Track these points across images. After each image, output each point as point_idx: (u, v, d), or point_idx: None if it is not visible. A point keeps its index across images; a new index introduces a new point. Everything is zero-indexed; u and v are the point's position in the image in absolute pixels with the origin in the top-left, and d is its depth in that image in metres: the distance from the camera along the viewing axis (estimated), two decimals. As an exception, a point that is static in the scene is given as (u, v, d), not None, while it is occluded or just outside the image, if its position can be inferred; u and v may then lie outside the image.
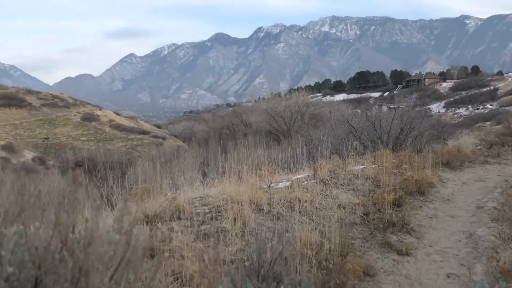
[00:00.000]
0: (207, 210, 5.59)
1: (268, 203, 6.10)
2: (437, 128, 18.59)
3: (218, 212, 5.51)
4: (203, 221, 5.22)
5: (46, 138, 55.44)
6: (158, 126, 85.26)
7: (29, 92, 75.09)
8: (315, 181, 7.90)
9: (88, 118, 66.45)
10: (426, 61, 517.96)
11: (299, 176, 8.38)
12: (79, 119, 65.58)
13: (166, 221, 4.92)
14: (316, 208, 6.47)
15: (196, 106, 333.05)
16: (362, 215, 6.67)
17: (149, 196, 5.46)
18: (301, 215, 5.92)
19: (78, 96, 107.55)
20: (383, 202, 6.93)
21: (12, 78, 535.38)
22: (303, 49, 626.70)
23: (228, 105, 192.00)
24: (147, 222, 4.87)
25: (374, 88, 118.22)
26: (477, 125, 50.89)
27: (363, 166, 9.66)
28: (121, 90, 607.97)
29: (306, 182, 7.65)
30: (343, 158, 10.42)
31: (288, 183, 7.27)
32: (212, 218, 5.30)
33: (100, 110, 76.31)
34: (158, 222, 4.86)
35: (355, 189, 8.07)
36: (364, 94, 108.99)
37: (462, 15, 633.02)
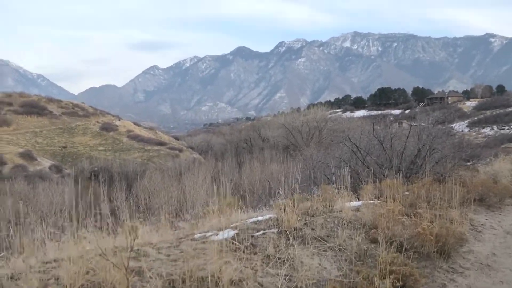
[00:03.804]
0: None
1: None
2: (465, 151, 14.35)
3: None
4: None
5: (64, 147, 55.79)
6: (177, 138, 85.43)
7: (51, 100, 76.29)
8: (276, 230, 5.17)
9: (107, 128, 66.88)
10: (449, 79, 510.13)
11: (260, 217, 5.72)
12: (97, 129, 66.04)
13: None
14: None
15: (216, 119, 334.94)
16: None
17: None
18: None
19: (101, 106, 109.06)
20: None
21: (39, 87, 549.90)
22: (324, 64, 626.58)
23: (248, 118, 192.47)
24: None
25: (395, 106, 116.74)
26: (503, 146, 49.13)
27: (360, 203, 6.81)
28: (143, 101, 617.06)
29: (260, 232, 5.01)
30: (337, 188, 7.37)
31: (232, 233, 4.84)
32: None
33: (119, 120, 76.88)
34: None
35: (336, 247, 5.01)
36: (385, 111, 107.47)
37: (486, 34, 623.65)
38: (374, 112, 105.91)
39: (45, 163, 48.24)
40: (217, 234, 4.81)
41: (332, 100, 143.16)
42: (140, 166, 45.02)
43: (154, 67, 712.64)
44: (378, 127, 15.47)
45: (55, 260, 3.67)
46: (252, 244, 4.61)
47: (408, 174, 10.85)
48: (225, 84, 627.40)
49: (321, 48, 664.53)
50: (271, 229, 5.22)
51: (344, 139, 13.24)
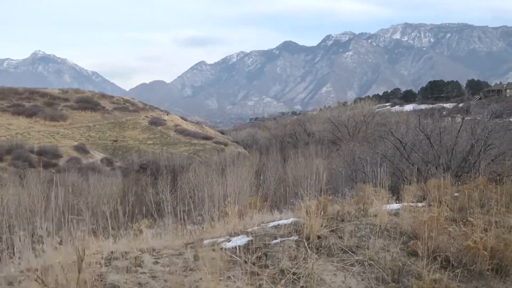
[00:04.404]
0: None
1: None
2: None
3: None
4: None
5: (115, 141, 57.96)
6: (222, 132, 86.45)
7: (103, 96, 79.50)
8: (297, 238, 4.42)
9: (155, 122, 68.79)
10: (508, 71, 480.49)
11: (282, 221, 4.97)
12: (146, 123, 68.08)
13: None
14: None
15: (262, 114, 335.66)
16: None
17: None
18: None
19: (150, 101, 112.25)
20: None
21: (93, 83, 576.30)
22: (372, 57, 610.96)
23: (294, 113, 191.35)
24: None
25: (448, 99, 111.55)
26: None
27: (400, 205, 5.87)
28: (191, 96, 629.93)
29: (278, 240, 4.34)
30: (375, 188, 6.46)
31: (245, 240, 4.27)
32: None
33: (167, 115, 78.83)
34: None
35: (366, 261, 4.14)
36: (436, 105, 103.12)
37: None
38: (424, 106, 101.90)
39: (97, 156, 50.32)
40: (229, 241, 4.24)
41: (381, 94, 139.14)
42: (186, 160, 45.90)
43: (202, 63, 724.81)
44: (427, 121, 14.28)
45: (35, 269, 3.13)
46: (265, 255, 3.95)
47: (459, 173, 9.68)
48: (271, 79, 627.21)
49: (369, 40, 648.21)
50: (291, 236, 4.46)
51: (386, 134, 12.25)
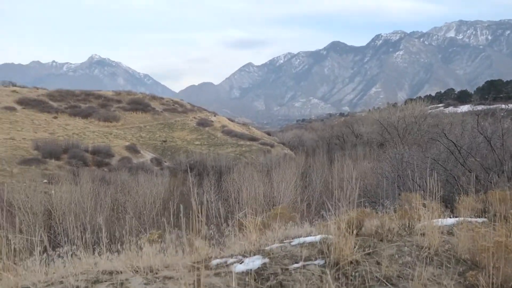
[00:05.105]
0: None
1: None
2: None
3: None
4: None
5: (164, 141, 59.40)
6: (269, 133, 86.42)
7: (154, 98, 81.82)
8: (322, 262, 3.54)
9: (203, 123, 69.86)
10: None
11: (308, 238, 4.16)
12: (194, 124, 69.30)
13: None
14: None
15: (309, 115, 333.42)
16: None
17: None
18: None
19: (199, 103, 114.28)
20: None
21: (145, 85, 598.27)
22: (424, 56, 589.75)
23: (341, 114, 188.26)
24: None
25: (508, 99, 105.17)
26: None
27: (454, 220, 4.80)
28: (238, 97, 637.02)
29: (299, 264, 3.47)
30: (423, 199, 5.24)
31: (259, 262, 3.53)
32: None
33: (214, 116, 79.89)
34: None
35: None
36: (495, 106, 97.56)
37: None
38: (482, 107, 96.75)
39: (147, 155, 51.75)
40: (241, 262, 3.55)
41: (433, 94, 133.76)
42: (233, 161, 46.21)
43: (249, 65, 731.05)
44: (486, 122, 12.90)
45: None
46: (281, 284, 3.17)
47: (525, 184, 8.36)
48: (319, 80, 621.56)
49: (421, 39, 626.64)
50: (316, 259, 3.58)
51: (438, 136, 11.03)
